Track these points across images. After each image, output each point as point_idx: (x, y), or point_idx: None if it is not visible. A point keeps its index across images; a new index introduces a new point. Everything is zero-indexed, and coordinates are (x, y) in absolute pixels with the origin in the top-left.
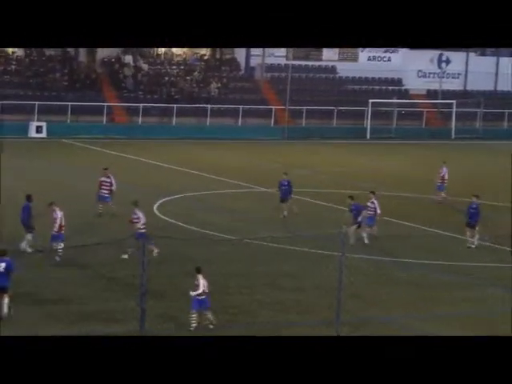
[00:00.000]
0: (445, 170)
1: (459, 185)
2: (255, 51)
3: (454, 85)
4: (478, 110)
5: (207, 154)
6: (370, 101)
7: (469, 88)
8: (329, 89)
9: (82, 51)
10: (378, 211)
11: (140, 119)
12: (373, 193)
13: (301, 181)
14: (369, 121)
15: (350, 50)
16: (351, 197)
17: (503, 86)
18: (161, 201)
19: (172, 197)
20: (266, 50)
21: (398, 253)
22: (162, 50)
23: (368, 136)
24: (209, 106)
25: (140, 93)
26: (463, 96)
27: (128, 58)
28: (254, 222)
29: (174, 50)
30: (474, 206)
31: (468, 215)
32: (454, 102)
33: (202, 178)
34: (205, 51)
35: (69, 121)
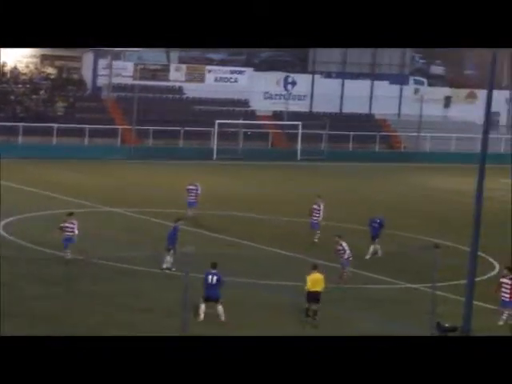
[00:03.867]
0: (198, 186)
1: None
2: (102, 71)
3: (300, 106)
4: (324, 132)
5: (53, 173)
6: (217, 121)
7: (314, 110)
8: (176, 109)
9: None
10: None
11: None
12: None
13: (141, 199)
14: (215, 141)
15: (197, 70)
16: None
17: (348, 108)
18: (6, 220)
19: (17, 217)
20: (113, 69)
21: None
22: (7, 69)
23: (214, 156)
24: (55, 125)
25: None
26: (309, 117)
27: None
28: (98, 241)
29: (20, 68)
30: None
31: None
32: (299, 123)
33: (46, 198)
34: (51, 70)
35: None
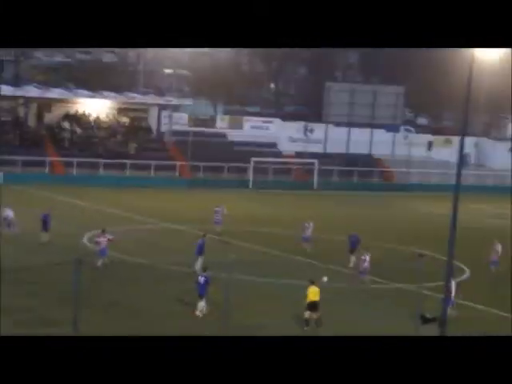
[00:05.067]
0: (222, 208)
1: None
2: (164, 120)
3: (316, 148)
4: (334, 168)
5: (126, 198)
6: (252, 159)
7: (327, 151)
8: (221, 150)
9: (30, 117)
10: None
11: (74, 171)
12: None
13: (193, 218)
14: (251, 175)
15: (237, 120)
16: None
17: (353, 150)
18: (89, 233)
19: (97, 231)
20: (173, 119)
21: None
22: (92, 118)
23: (250, 186)
24: (128, 161)
25: (74, 150)
26: (323, 157)
27: (66, 124)
28: (159, 249)
29: (102, 117)
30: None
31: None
32: (315, 161)
33: (120, 217)
34: (125, 119)
35: (19, 171)
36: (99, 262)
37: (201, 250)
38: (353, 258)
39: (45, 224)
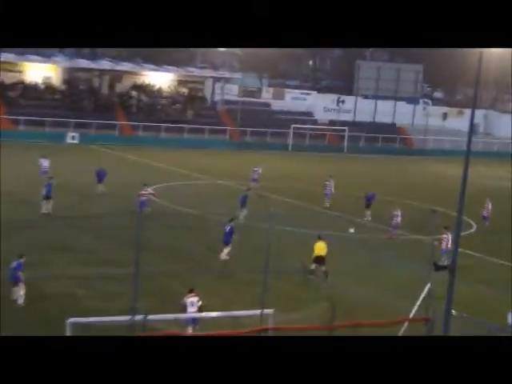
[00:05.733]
0: (259, 168)
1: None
2: (217, 91)
3: (347, 117)
4: (362, 134)
5: (184, 157)
6: (292, 126)
7: (356, 119)
8: (265, 117)
9: (104, 87)
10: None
11: (140, 133)
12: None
13: (239, 175)
14: (291, 139)
15: (279, 92)
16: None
17: (379, 119)
18: (153, 186)
19: (159, 185)
20: (225, 90)
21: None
22: (156, 88)
23: (290, 149)
24: (186, 125)
25: (141, 116)
26: (353, 124)
27: (134, 93)
28: (211, 202)
29: (164, 88)
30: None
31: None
32: (346, 128)
33: (178, 173)
34: (184, 89)
35: (93, 132)
36: (147, 211)
37: (243, 202)
38: (368, 212)
39: (99, 177)
